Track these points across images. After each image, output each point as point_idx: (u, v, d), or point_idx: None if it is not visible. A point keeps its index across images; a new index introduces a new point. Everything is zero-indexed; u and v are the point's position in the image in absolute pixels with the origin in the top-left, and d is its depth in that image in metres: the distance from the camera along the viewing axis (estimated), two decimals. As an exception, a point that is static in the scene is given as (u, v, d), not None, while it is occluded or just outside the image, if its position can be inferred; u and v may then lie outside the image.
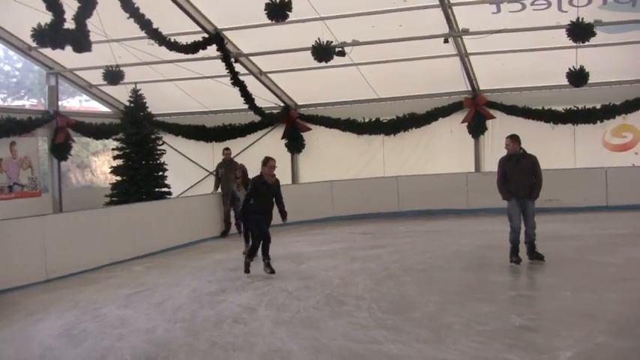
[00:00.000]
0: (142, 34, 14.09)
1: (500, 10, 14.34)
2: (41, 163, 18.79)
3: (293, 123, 19.82)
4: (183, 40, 15.07)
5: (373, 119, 19.07)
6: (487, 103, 18.16)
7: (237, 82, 16.92)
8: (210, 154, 20.10)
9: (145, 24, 13.67)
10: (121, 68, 14.79)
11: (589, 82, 15.22)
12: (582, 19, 13.32)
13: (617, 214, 15.55)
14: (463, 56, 16.42)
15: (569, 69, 14.95)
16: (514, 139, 10.41)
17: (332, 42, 14.67)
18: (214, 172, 16.93)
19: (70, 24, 11.16)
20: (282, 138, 19.88)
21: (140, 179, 16.78)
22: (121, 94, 18.43)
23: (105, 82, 15.15)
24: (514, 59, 16.55)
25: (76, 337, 7.67)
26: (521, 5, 14.22)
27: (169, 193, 17.62)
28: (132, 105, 17.52)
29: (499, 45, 15.67)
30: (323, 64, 14.83)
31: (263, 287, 9.75)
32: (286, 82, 19.04)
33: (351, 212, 17.93)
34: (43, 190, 18.67)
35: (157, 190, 17.23)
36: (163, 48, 14.70)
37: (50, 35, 10.97)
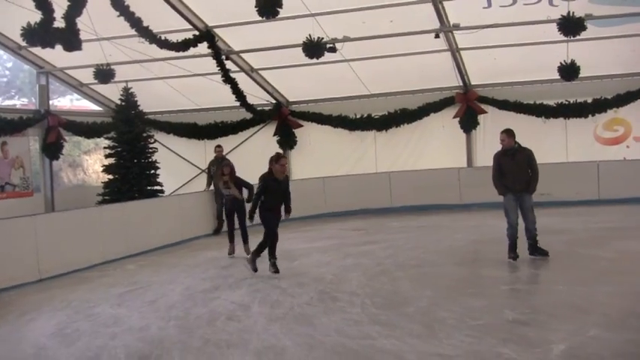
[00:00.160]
0: (133, 32, 14.04)
1: (491, 4, 14.35)
2: (33, 162, 18.72)
3: (285, 120, 19.82)
4: (174, 37, 15.03)
5: (365, 115, 19.08)
6: (478, 98, 18.20)
7: (228, 79, 16.91)
8: (202, 152, 20.07)
9: (135, 22, 13.63)
10: (112, 67, 14.78)
11: (580, 76, 15.29)
12: (573, 13, 13.33)
13: (608, 208, 15.59)
14: (454, 51, 16.45)
15: (561, 63, 14.99)
16: (509, 133, 10.29)
17: (323, 38, 14.66)
18: (206, 170, 16.91)
19: (60, 22, 11.12)
20: (274, 135, 19.87)
21: (132, 178, 16.74)
22: (112, 92, 18.38)
23: (96, 81, 15.13)
24: (505, 54, 16.59)
25: (69, 336, 7.64)
26: (512, 0, 14.24)
27: (162, 192, 17.58)
28: (123, 103, 17.46)
29: (490, 40, 15.71)
30: (314, 60, 14.84)
31: (256, 284, 9.74)
32: (278, 79, 19.02)
33: (344, 208, 17.92)
34: (35, 190, 18.61)
35: (149, 188, 17.19)
36: (154, 46, 14.67)
37: (40, 34, 10.93)
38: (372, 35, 15.50)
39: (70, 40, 11.36)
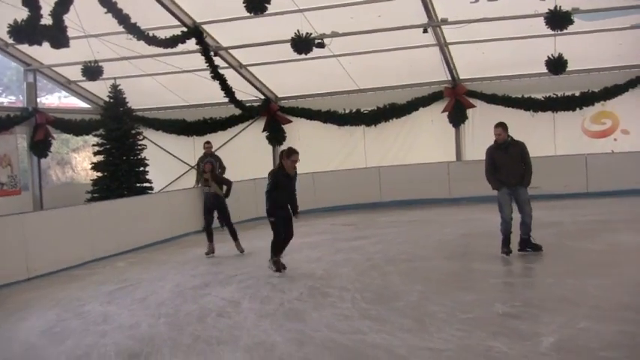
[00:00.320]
0: (121, 28, 14.02)
1: (479, -1, 14.40)
2: (21, 160, 18.64)
3: (274, 115, 19.79)
4: (162, 34, 15.00)
5: (354, 110, 19.09)
6: (467, 92, 18.23)
7: (216, 75, 16.86)
8: (191, 149, 19.98)
9: (123, 19, 13.60)
10: (100, 64, 14.73)
11: (568, 69, 15.37)
12: (560, 7, 13.40)
13: (597, 201, 15.67)
14: (442, 46, 16.48)
15: (548, 57, 15.06)
16: (505, 127, 10.14)
17: (311, 34, 14.64)
18: (196, 167, 16.87)
19: (47, 20, 11.07)
20: (263, 131, 19.84)
21: (121, 175, 16.72)
22: (101, 89, 18.32)
23: (84, 78, 15.08)
24: (493, 48, 16.65)
25: (58, 334, 7.62)
26: (500, -6, 14.30)
27: (151, 189, 17.57)
28: (111, 100, 17.44)
29: (478, 34, 15.75)
30: (302, 56, 14.85)
31: (246, 280, 9.74)
32: (266, 75, 19.00)
33: (334, 204, 17.95)
34: (23, 188, 18.50)
35: (138, 185, 17.18)
36: (142, 42, 14.65)
37: (27, 31, 10.88)
38: (360, 30, 15.51)
39: (58, 37, 11.32)
